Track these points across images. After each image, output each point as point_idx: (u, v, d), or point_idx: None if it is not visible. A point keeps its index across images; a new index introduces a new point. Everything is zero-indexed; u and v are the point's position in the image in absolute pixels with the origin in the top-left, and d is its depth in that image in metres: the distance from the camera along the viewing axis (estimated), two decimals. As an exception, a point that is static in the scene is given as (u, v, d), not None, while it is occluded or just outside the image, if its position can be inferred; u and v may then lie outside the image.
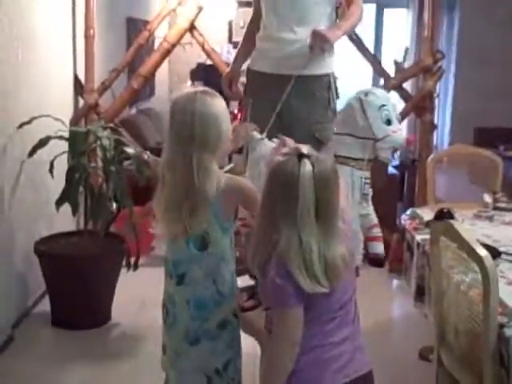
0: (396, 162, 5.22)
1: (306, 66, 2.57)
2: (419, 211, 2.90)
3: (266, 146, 2.41)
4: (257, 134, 2.52)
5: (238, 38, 7.36)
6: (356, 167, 2.37)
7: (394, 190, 4.45)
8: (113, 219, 3.49)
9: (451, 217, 2.69)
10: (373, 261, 2.45)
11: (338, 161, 2.26)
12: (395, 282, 3.59)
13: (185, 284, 1.85)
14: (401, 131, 2.37)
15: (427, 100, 3.98)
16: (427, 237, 2.53)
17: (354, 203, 2.37)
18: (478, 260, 1.73)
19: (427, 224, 2.71)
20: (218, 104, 1.80)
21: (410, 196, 5.45)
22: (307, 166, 1.50)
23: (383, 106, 2.30)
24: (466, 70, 7.19)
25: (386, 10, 7.77)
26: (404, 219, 2.83)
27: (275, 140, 2.44)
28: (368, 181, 2.45)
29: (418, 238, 2.56)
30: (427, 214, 2.83)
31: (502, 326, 1.73)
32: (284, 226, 1.51)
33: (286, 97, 2.54)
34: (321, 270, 1.49)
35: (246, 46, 2.95)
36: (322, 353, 1.56)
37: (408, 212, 2.94)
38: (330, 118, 2.66)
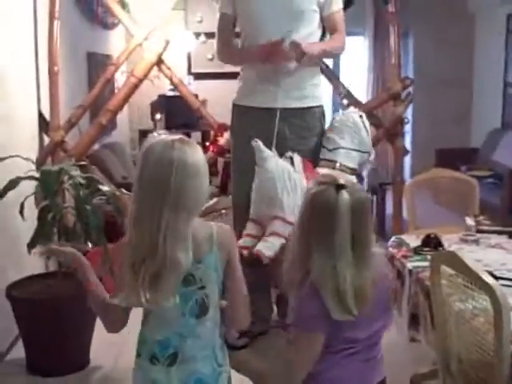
0: (365, 187, 5.26)
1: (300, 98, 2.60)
2: (405, 238, 2.89)
3: (278, 165, 2.51)
4: (265, 148, 2.57)
5: (198, 69, 7.50)
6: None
7: (368, 215, 4.44)
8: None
9: (439, 242, 2.70)
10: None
11: (348, 173, 2.64)
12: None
13: (178, 363, 1.58)
14: None
15: (398, 125, 4.02)
16: (419, 264, 2.53)
17: None
18: (488, 289, 1.72)
19: (415, 251, 2.70)
20: (198, 155, 1.57)
21: (380, 220, 5.49)
22: (345, 196, 1.50)
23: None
24: (423, 95, 7.33)
25: (342, 38, 7.89)
26: (391, 247, 2.81)
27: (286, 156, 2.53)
28: None
29: (409, 265, 2.55)
30: (413, 240, 2.83)
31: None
32: (319, 254, 1.51)
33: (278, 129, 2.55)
34: (352, 298, 1.49)
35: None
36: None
37: (393, 239, 2.92)
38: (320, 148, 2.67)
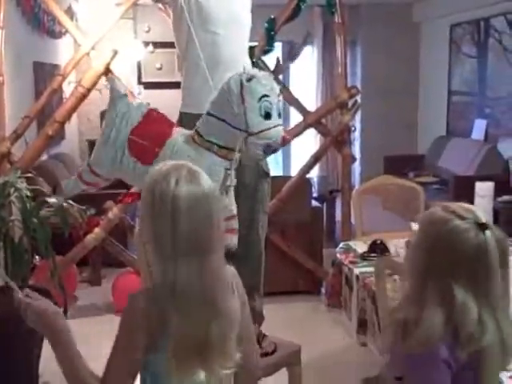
0: (315, 194, 5.32)
1: None
2: (352, 244, 2.95)
3: (130, 110, 2.15)
4: (120, 86, 2.20)
5: (148, 78, 7.47)
6: (220, 155, 2.09)
7: (319, 222, 4.51)
8: (31, 272, 3.34)
9: (385, 248, 2.76)
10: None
11: (204, 145, 2.06)
12: (333, 316, 3.62)
13: None
14: (279, 127, 2.04)
15: (345, 134, 4.09)
16: (365, 269, 2.58)
17: None
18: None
19: (363, 256, 2.76)
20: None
21: (330, 227, 5.56)
22: (492, 238, 1.34)
23: (265, 96, 1.97)
24: (370, 103, 7.49)
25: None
26: (339, 253, 2.86)
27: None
28: (232, 172, 2.17)
29: (357, 271, 2.60)
30: (360, 246, 2.88)
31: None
32: (469, 303, 1.34)
33: None
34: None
35: None
36: None
37: (341, 245, 2.97)
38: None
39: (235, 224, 2.27)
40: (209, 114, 2.10)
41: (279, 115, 2.05)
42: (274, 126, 2.00)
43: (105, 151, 2.20)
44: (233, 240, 2.26)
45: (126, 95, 2.18)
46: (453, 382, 1.33)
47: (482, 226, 1.34)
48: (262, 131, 1.98)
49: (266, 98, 1.98)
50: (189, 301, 1.36)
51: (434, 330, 1.32)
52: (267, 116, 2.00)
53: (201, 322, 1.36)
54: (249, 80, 1.99)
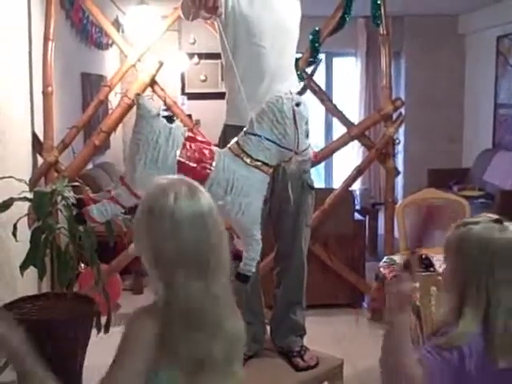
0: (357, 207, 5.28)
1: None
2: (396, 258, 2.91)
3: (173, 132, 2.13)
4: (150, 105, 2.18)
5: (191, 89, 7.55)
6: (264, 172, 2.20)
7: (361, 235, 4.47)
8: (75, 279, 3.40)
9: (430, 263, 2.72)
10: (238, 257, 2.32)
11: (253, 164, 2.15)
12: (376, 330, 3.58)
13: None
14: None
15: (389, 146, 4.06)
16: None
17: (260, 209, 2.22)
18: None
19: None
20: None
21: (372, 240, 5.51)
22: None
23: (308, 119, 2.22)
24: (414, 115, 7.42)
25: (334, 60, 7.98)
26: (382, 267, 2.83)
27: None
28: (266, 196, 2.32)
29: (401, 286, 2.55)
30: (404, 260, 2.84)
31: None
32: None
33: None
34: None
35: None
36: None
37: (385, 259, 2.94)
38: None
39: None
40: (255, 134, 2.19)
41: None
42: (309, 145, 2.25)
43: (151, 173, 2.13)
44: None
45: (159, 115, 2.17)
46: None
47: (498, 221, 1.43)
48: (304, 150, 2.21)
49: (308, 121, 2.21)
50: (189, 319, 1.34)
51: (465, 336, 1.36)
52: (307, 136, 2.22)
53: (202, 341, 1.34)
54: (297, 105, 2.17)
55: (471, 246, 1.42)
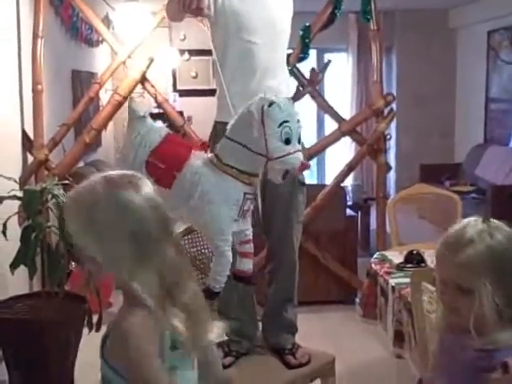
0: (349, 202, 5.28)
1: None
2: (388, 254, 2.91)
3: (150, 132, 2.10)
4: (140, 107, 2.14)
5: (183, 86, 7.52)
6: (240, 180, 2.08)
7: (353, 231, 4.47)
8: (67, 278, 3.38)
9: (421, 259, 2.72)
10: (240, 278, 2.23)
11: (222, 169, 2.05)
12: (368, 327, 3.58)
13: None
14: (299, 153, 2.01)
15: (381, 142, 4.06)
16: (401, 280, 2.54)
17: (228, 219, 2.09)
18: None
19: (398, 267, 2.72)
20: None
21: (364, 236, 5.51)
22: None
23: (285, 122, 1.97)
24: (406, 110, 7.43)
25: (326, 55, 7.97)
26: (374, 263, 2.83)
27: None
28: (250, 196, 2.15)
29: (392, 282, 2.56)
30: (396, 256, 2.84)
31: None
32: None
33: None
34: None
35: None
36: None
37: (376, 255, 2.94)
38: None
39: (250, 248, 2.26)
40: (228, 137, 2.10)
41: (298, 141, 2.03)
42: (294, 152, 1.99)
43: None
44: (248, 264, 2.25)
45: (145, 116, 2.15)
46: None
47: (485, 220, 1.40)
48: (281, 157, 1.98)
49: (286, 124, 1.98)
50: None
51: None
52: (287, 142, 1.99)
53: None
54: (270, 105, 1.98)
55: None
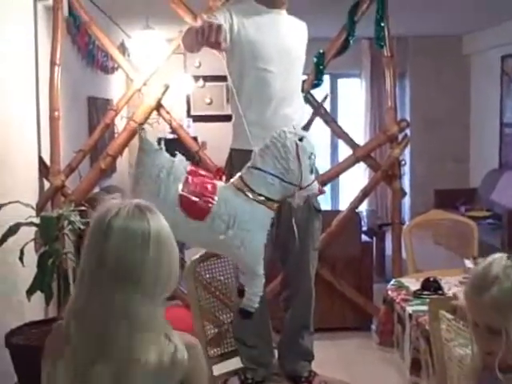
0: (364, 228, 5.25)
1: None
2: (404, 281, 2.89)
3: (175, 165, 2.11)
4: (153, 141, 2.16)
5: (197, 112, 7.58)
6: (268, 207, 2.19)
7: (368, 257, 4.45)
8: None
9: (438, 286, 2.69)
10: (241, 292, 2.24)
11: (256, 199, 2.13)
12: (384, 354, 3.55)
13: None
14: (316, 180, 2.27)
15: (395, 167, 4.05)
16: (419, 308, 2.52)
17: (263, 244, 2.18)
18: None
19: (415, 294, 2.69)
20: (165, 223, 1.38)
21: (380, 262, 5.47)
22: None
23: (312, 154, 2.20)
24: (419, 135, 7.43)
25: (339, 81, 8.01)
26: (390, 290, 2.80)
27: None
28: (272, 221, 2.27)
29: (409, 309, 2.53)
30: (413, 283, 2.81)
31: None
32: None
33: None
34: None
35: None
36: None
37: (393, 282, 2.91)
38: None
39: None
40: (258, 168, 2.18)
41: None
42: (314, 180, 2.23)
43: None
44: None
45: (161, 149, 2.16)
46: None
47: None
48: (308, 185, 2.19)
49: (312, 155, 2.20)
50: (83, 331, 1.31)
51: None
52: (311, 171, 2.21)
53: (86, 358, 1.29)
54: (300, 139, 2.17)
55: None
